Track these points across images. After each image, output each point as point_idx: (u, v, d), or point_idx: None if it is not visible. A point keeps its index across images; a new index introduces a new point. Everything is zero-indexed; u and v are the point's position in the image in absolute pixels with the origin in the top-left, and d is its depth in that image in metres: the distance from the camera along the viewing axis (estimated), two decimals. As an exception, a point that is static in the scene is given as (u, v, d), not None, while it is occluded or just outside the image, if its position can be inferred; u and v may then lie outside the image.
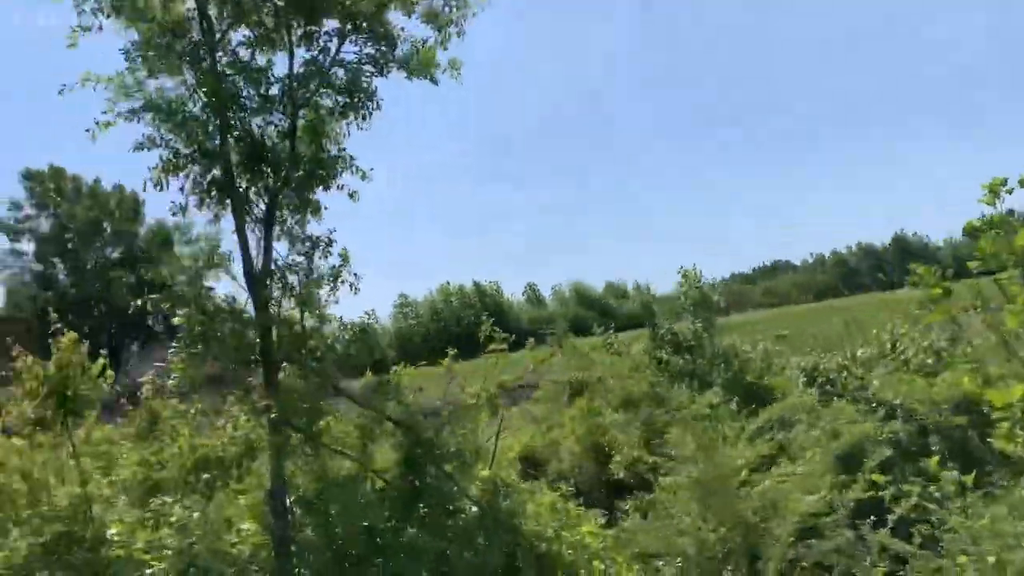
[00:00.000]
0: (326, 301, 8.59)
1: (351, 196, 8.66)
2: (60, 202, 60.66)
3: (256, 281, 8.22)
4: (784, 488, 8.09)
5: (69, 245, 62.13)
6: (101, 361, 9.96)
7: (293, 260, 8.08)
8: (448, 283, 79.88)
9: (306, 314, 8.12)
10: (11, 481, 9.57)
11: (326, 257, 8.10)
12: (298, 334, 8.08)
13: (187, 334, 7.80)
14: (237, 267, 8.30)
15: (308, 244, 8.09)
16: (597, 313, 74.65)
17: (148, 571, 7.33)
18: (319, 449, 7.89)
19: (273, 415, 7.82)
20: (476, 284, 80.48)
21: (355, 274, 8.67)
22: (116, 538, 8.67)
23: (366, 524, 7.44)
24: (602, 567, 7.41)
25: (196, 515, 7.51)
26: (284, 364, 8.11)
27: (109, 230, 63.52)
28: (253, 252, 8.29)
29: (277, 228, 8.51)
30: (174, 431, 9.34)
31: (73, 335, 9.95)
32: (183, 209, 8.10)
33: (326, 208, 8.87)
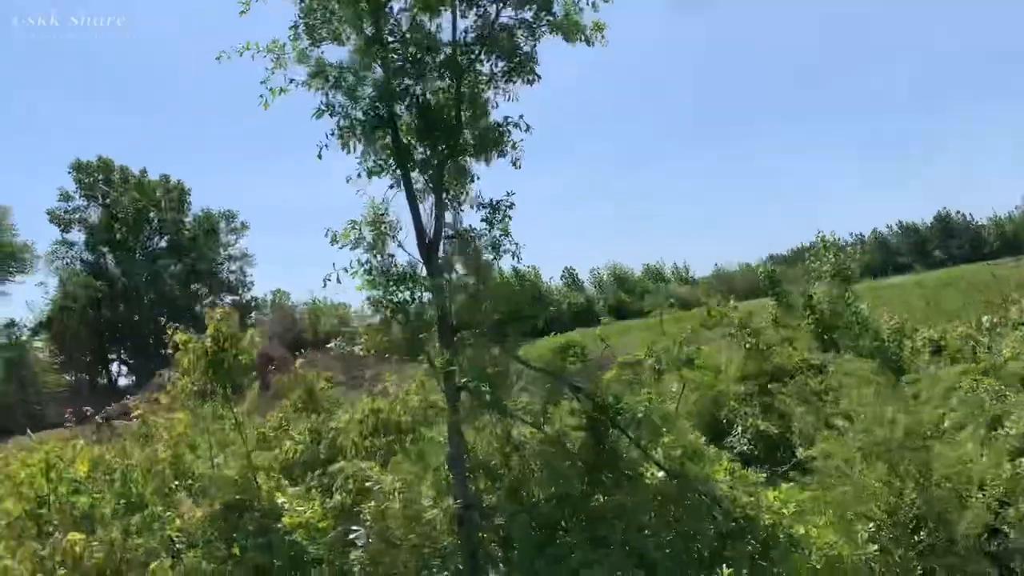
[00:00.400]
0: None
1: (514, 164, 8.57)
2: (108, 192, 61.40)
3: (429, 248, 8.19)
4: (967, 453, 7.91)
5: (118, 235, 62.91)
6: (251, 331, 10.02)
7: (471, 226, 8.01)
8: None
9: (480, 280, 8.07)
10: (161, 454, 9.73)
11: (505, 220, 7.99)
12: (474, 301, 8.03)
13: (371, 302, 7.81)
14: (405, 234, 8.29)
15: (488, 209, 7.98)
16: (637, 297, 74.15)
17: (352, 534, 7.34)
18: (501, 414, 7.85)
19: (459, 381, 7.80)
20: (515, 269, 79.67)
21: (516, 243, 8.61)
22: (286, 506, 8.76)
23: (557, 490, 7.40)
24: (802, 530, 7.31)
25: (390, 479, 7.51)
26: (460, 331, 8.08)
27: (156, 220, 64.22)
28: (424, 220, 8.26)
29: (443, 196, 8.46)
30: (330, 402, 9.39)
31: (225, 308, 10.04)
32: (372, 173, 8.06)
33: (478, 178, 8.82)
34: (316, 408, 9.51)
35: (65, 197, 60.39)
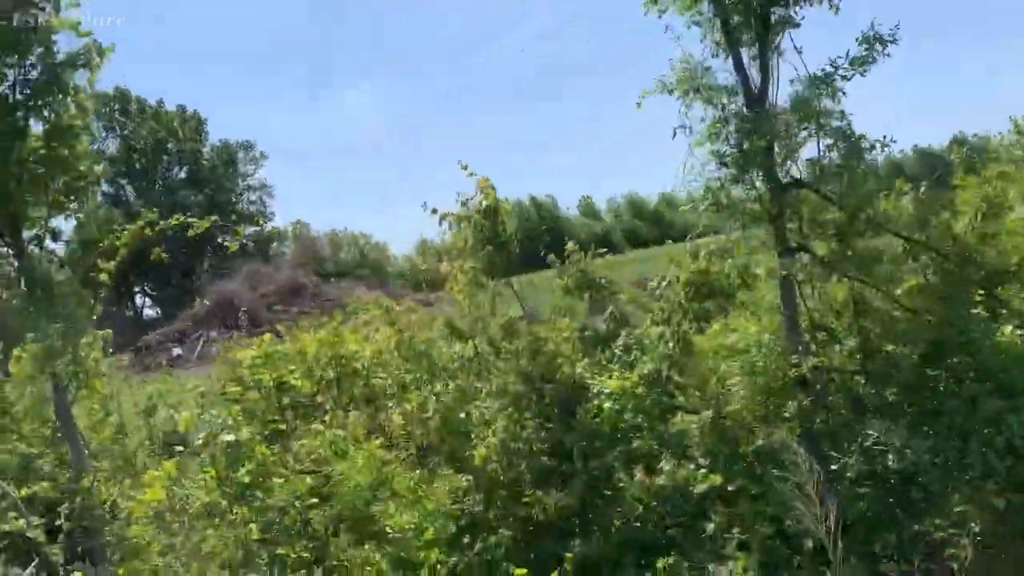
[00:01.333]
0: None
1: (834, 9, 7.94)
2: (126, 123, 59.91)
3: (756, 101, 7.67)
4: None
5: (136, 166, 61.66)
6: (507, 205, 9.49)
7: (828, 68, 7.39)
8: (506, 198, 78.92)
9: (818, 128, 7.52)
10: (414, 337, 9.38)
11: (871, 62, 7.37)
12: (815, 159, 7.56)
13: (715, 154, 7.36)
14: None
15: (865, 46, 7.30)
16: (651, 224, 73.64)
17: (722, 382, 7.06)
18: (846, 276, 7.49)
19: (796, 241, 7.42)
20: (532, 198, 79.27)
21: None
22: (588, 377, 8.47)
23: (917, 351, 7.10)
24: None
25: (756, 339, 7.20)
26: (794, 188, 7.64)
27: (174, 151, 62.92)
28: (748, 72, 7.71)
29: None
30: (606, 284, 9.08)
31: (486, 179, 9.50)
32: (692, 22, 7.46)
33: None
34: (590, 286, 9.16)
35: (82, 126, 58.70)
